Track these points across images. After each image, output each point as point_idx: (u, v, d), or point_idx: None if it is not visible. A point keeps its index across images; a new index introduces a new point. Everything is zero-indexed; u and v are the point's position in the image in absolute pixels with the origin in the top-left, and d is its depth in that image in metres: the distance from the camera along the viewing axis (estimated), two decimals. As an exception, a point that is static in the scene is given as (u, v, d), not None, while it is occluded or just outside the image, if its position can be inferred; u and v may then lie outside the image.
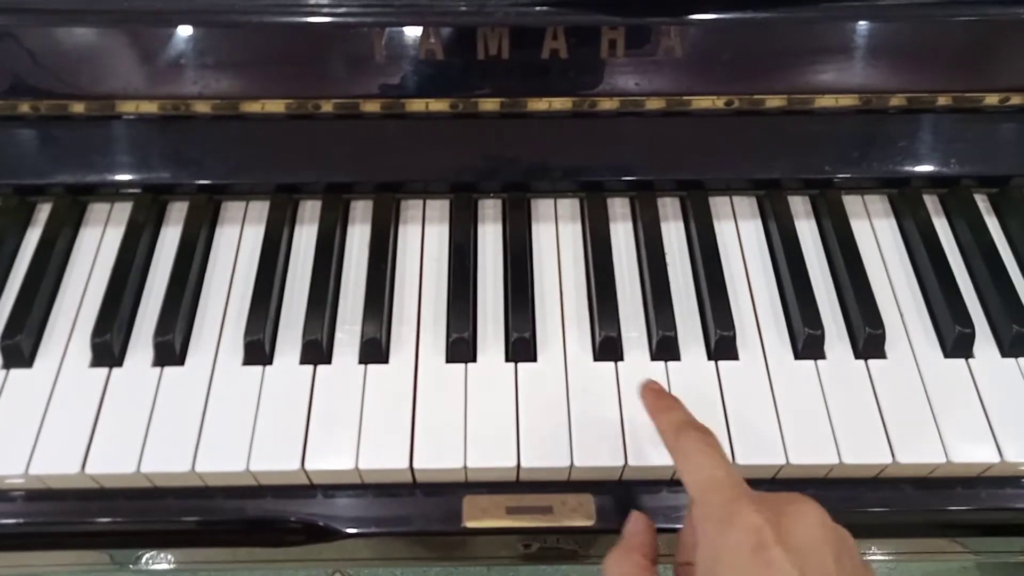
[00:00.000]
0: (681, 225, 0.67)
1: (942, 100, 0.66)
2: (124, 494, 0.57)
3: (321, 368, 0.58)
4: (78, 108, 0.65)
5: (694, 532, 0.43)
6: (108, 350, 0.59)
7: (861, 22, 0.62)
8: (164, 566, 0.67)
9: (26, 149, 0.67)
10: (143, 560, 0.66)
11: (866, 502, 0.56)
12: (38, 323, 0.61)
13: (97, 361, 0.59)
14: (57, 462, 0.54)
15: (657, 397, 0.51)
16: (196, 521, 0.57)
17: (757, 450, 0.54)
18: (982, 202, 0.68)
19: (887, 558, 0.64)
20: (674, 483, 0.56)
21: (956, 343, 0.58)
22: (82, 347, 0.60)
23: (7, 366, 0.59)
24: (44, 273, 0.63)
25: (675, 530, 0.55)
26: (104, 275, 0.63)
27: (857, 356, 0.58)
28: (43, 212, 0.67)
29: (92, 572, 0.69)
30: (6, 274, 0.64)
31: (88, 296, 0.63)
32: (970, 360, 0.58)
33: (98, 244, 0.66)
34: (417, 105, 0.65)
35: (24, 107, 0.65)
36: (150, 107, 0.65)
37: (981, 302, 0.62)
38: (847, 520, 0.56)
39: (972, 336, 0.58)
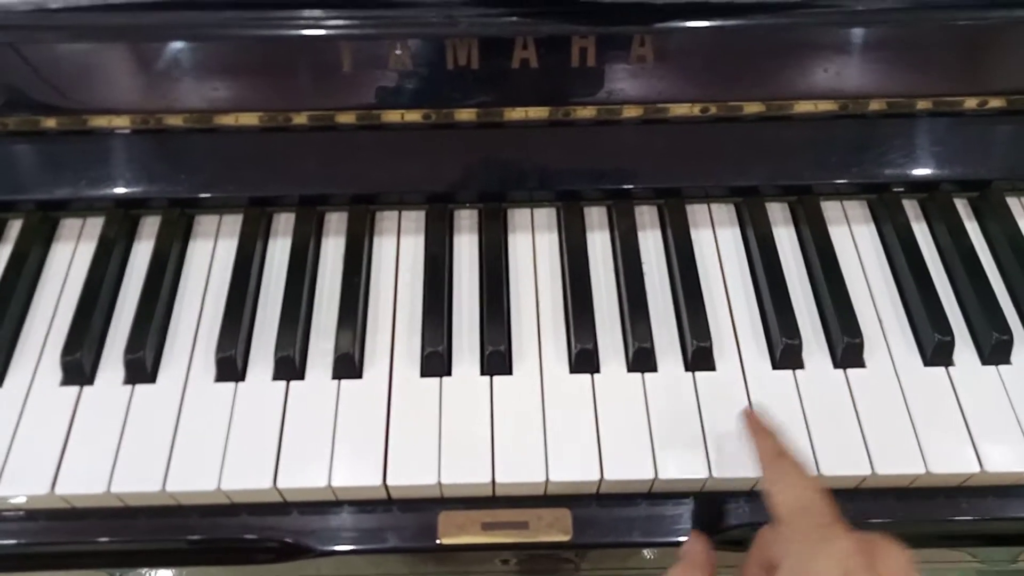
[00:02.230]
0: (659, 233, 0.66)
1: (921, 104, 0.66)
2: (97, 513, 0.56)
3: (294, 384, 0.57)
4: (49, 123, 0.64)
5: (761, 552, 0.47)
6: (79, 368, 0.58)
7: (838, 27, 0.62)
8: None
9: (-5, 165, 0.66)
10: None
11: (845, 512, 0.55)
12: (8, 341, 0.60)
13: (68, 379, 0.58)
14: (27, 483, 0.54)
15: (758, 421, 0.52)
16: (170, 540, 0.56)
17: (733, 462, 0.53)
18: (962, 207, 0.67)
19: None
20: (652, 496, 0.55)
21: (936, 351, 0.58)
22: (53, 365, 0.59)
23: (-25, 385, 0.58)
24: (15, 290, 0.62)
25: (663, 544, 0.55)
26: (75, 291, 0.62)
27: (836, 365, 0.58)
28: (14, 228, 0.67)
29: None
30: (-25, 291, 0.63)
31: (60, 313, 0.62)
32: (950, 368, 0.58)
33: (70, 260, 0.65)
34: (392, 116, 0.64)
35: (-8, 123, 0.64)
36: (122, 121, 0.65)
37: (961, 309, 0.61)
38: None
39: (952, 344, 0.58)
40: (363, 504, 0.56)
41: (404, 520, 0.56)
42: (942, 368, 0.58)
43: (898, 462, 0.53)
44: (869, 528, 0.54)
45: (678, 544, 0.54)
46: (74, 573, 0.62)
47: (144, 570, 0.64)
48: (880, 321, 0.60)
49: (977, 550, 0.61)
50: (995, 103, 0.65)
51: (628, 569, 0.64)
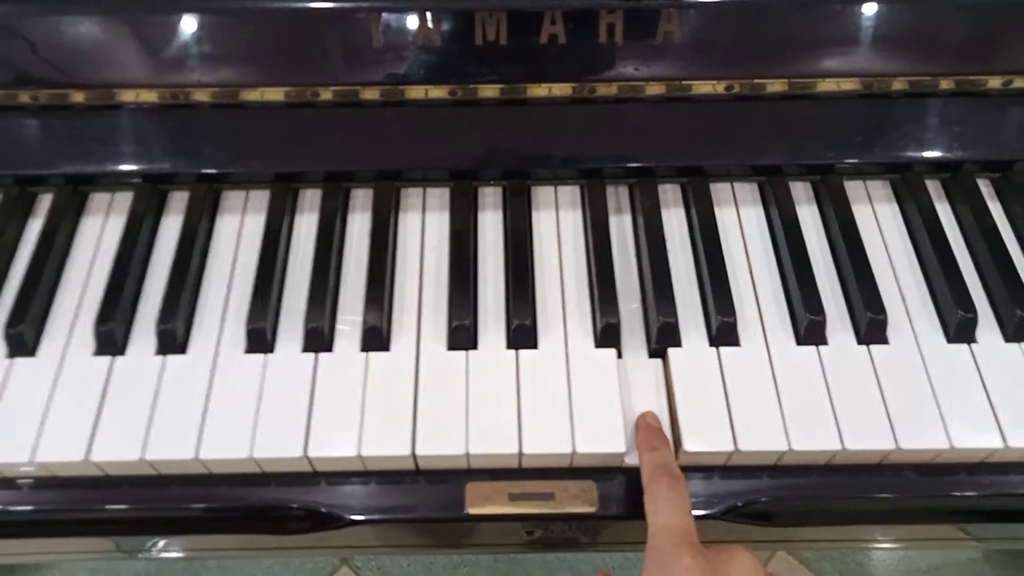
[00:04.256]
0: (682, 211, 0.67)
1: (944, 84, 0.66)
2: (129, 481, 0.57)
3: (323, 356, 0.58)
4: (78, 97, 0.65)
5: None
6: (111, 339, 0.59)
7: (862, 4, 0.62)
8: (171, 554, 0.67)
9: (26, 139, 0.67)
10: (150, 548, 0.66)
11: (869, 488, 0.56)
12: (41, 312, 0.61)
13: (100, 350, 0.59)
14: (62, 450, 0.55)
15: (647, 432, 0.54)
16: (201, 508, 0.57)
17: (759, 437, 0.54)
18: (985, 187, 0.67)
19: (892, 546, 0.64)
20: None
21: (959, 328, 0.58)
22: (85, 336, 0.60)
23: (12, 355, 0.59)
24: (46, 263, 0.63)
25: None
26: (106, 265, 0.63)
27: (859, 342, 0.58)
28: (44, 202, 0.67)
29: (100, 559, 0.70)
30: (8, 265, 0.64)
31: (91, 286, 0.63)
32: (973, 345, 0.58)
33: (99, 234, 0.66)
34: (416, 92, 0.65)
35: (24, 97, 0.65)
36: (150, 96, 0.65)
37: (984, 288, 0.62)
38: (849, 506, 0.56)
39: (975, 321, 0.58)
40: (391, 475, 0.57)
41: (431, 491, 0.57)
42: (965, 345, 0.58)
43: (920, 437, 0.54)
44: (873, 508, 0.55)
45: (698, 517, 0.55)
46: (104, 540, 0.63)
47: (157, 540, 0.65)
48: (903, 299, 0.61)
49: (996, 526, 0.61)
50: (1019, 83, 0.65)
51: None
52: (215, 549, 0.69)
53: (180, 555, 0.68)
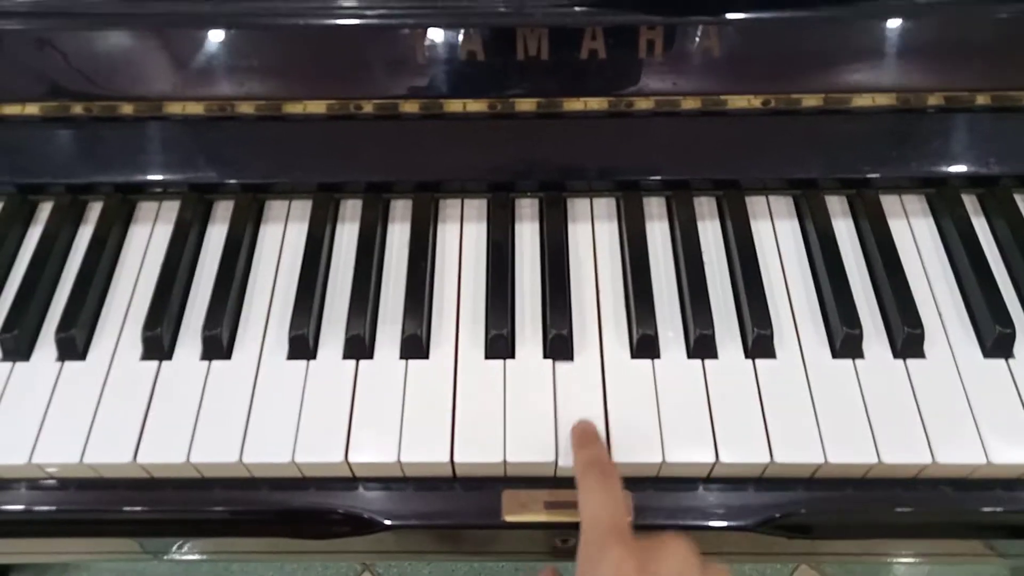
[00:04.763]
0: (717, 224, 0.67)
1: (980, 99, 0.66)
2: (171, 483, 0.58)
3: (364, 363, 0.59)
4: (127, 109, 0.67)
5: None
6: (158, 344, 0.60)
7: (897, 20, 0.62)
8: (195, 556, 0.69)
9: (77, 149, 0.69)
10: (175, 550, 0.68)
11: (903, 502, 0.56)
12: (91, 317, 0.63)
13: (148, 354, 0.61)
14: (110, 451, 0.56)
15: (581, 433, 0.55)
16: (241, 511, 0.58)
17: (795, 448, 0.54)
18: (1022, 202, 0.67)
19: (916, 560, 0.64)
20: (710, 480, 0.57)
21: (996, 343, 0.58)
22: (133, 341, 0.62)
23: (62, 358, 0.61)
24: (96, 269, 0.65)
25: (707, 528, 0.56)
26: (153, 272, 0.65)
27: (895, 355, 0.59)
28: (94, 211, 0.69)
29: (129, 560, 0.71)
30: (60, 270, 0.66)
31: (138, 292, 0.65)
32: (1010, 360, 0.58)
33: (147, 241, 0.68)
34: (455, 106, 0.66)
35: (76, 108, 0.67)
36: (196, 108, 0.67)
37: (1021, 302, 0.62)
38: (883, 520, 0.56)
39: (1013, 336, 0.58)
40: (428, 481, 0.58)
41: (468, 498, 0.57)
42: (1002, 360, 0.58)
43: (956, 452, 0.54)
44: (906, 522, 0.55)
45: (733, 528, 0.56)
46: (130, 541, 0.65)
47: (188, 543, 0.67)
48: (939, 313, 0.61)
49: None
50: (1057, 99, 0.65)
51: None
52: (239, 552, 0.70)
53: (203, 558, 0.69)
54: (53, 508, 0.58)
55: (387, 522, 0.57)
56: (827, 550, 0.66)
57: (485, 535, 0.62)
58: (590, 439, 0.54)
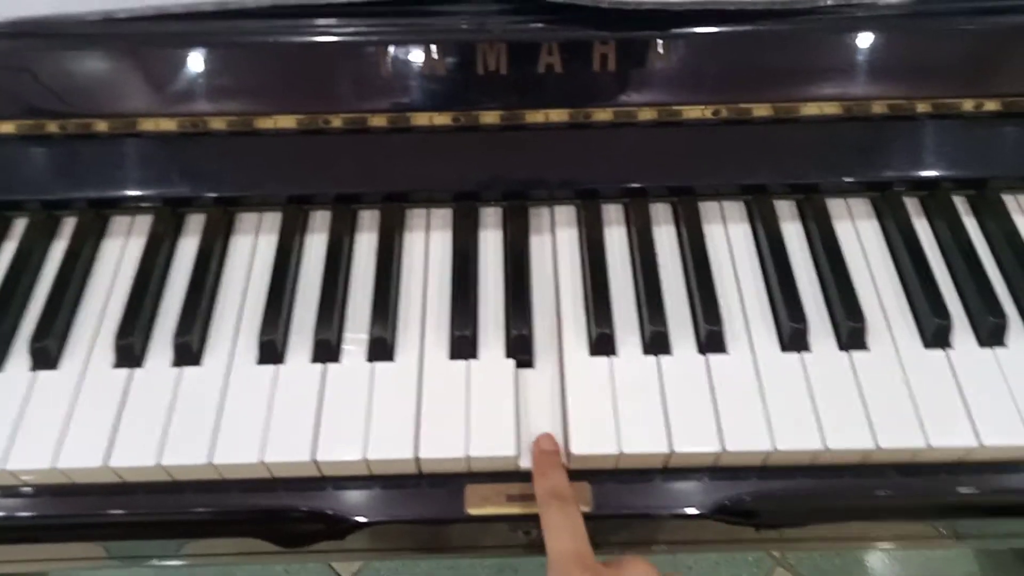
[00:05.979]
0: (672, 228, 0.70)
1: (921, 107, 0.69)
2: (143, 488, 0.59)
3: (331, 366, 0.61)
4: (101, 126, 0.69)
5: None
6: (130, 351, 0.62)
7: (839, 34, 0.66)
8: (171, 563, 0.69)
9: (52, 166, 0.71)
10: (152, 559, 0.69)
11: (850, 488, 0.58)
12: (64, 327, 0.64)
13: (120, 362, 0.62)
14: (82, 456, 0.57)
15: (542, 456, 0.56)
16: (212, 513, 0.60)
17: (745, 437, 0.56)
18: (961, 204, 0.70)
19: (877, 546, 0.66)
20: (667, 471, 0.59)
21: (935, 334, 0.61)
22: (105, 350, 0.63)
23: (36, 368, 0.62)
24: (70, 281, 0.66)
25: (677, 516, 0.58)
26: (126, 283, 0.67)
27: (841, 348, 0.61)
28: (68, 225, 0.71)
29: (112, 568, 0.72)
30: (33, 284, 0.67)
31: (111, 303, 0.66)
32: (949, 350, 0.61)
33: (120, 254, 0.69)
34: (421, 119, 0.68)
35: (51, 126, 0.69)
36: (169, 124, 0.69)
37: (960, 297, 0.64)
38: (835, 505, 0.59)
39: (950, 327, 0.61)
40: (394, 479, 0.59)
41: (434, 494, 0.59)
42: (941, 350, 0.61)
43: (899, 437, 0.56)
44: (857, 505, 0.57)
45: (688, 516, 0.58)
46: (115, 545, 0.65)
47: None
48: (883, 308, 0.64)
49: (976, 523, 0.64)
50: (990, 106, 0.69)
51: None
52: (215, 555, 0.71)
53: (181, 563, 0.70)
54: (28, 515, 0.59)
55: (355, 519, 0.59)
56: (791, 537, 0.67)
57: (460, 531, 0.64)
58: (549, 464, 0.56)
